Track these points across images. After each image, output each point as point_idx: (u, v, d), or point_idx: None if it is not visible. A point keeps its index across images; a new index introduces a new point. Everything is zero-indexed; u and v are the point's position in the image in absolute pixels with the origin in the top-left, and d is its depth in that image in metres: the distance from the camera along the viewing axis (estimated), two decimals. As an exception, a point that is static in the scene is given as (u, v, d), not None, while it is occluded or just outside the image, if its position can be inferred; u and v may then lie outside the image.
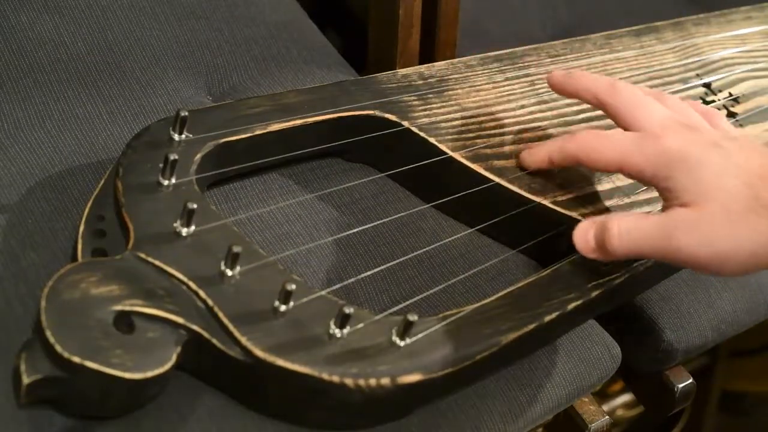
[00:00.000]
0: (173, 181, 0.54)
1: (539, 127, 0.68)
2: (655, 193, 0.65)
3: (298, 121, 0.61)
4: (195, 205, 0.51)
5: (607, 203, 0.63)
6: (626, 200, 0.64)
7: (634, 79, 0.76)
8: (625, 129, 0.59)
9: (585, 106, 0.70)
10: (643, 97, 0.60)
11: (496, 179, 0.62)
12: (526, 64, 0.73)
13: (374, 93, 0.65)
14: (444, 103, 0.66)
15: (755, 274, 0.75)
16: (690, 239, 0.53)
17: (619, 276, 0.59)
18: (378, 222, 0.63)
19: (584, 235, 0.57)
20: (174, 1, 0.74)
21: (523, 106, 0.69)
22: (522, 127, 0.67)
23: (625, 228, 0.55)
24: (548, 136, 0.67)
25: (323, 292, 0.51)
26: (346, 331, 0.49)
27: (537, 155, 0.63)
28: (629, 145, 0.57)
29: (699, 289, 0.72)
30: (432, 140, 0.63)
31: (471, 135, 0.65)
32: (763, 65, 0.84)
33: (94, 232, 0.52)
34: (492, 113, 0.67)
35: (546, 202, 0.62)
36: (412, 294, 0.58)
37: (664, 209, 0.56)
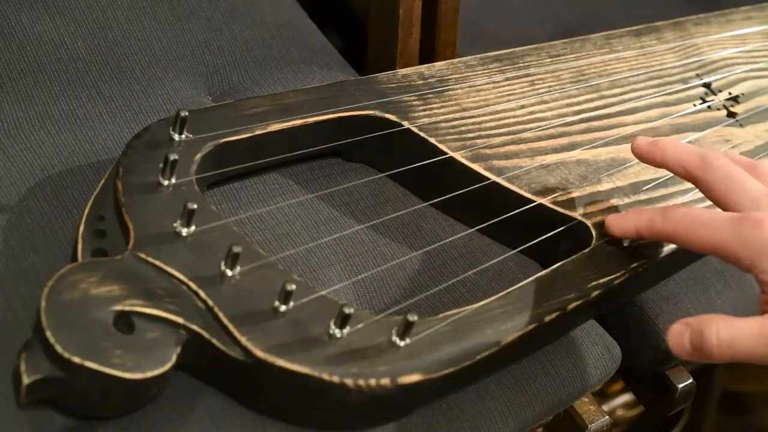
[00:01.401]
0: (173, 181, 0.54)
1: (539, 127, 0.68)
2: (657, 193, 0.65)
3: (298, 121, 0.61)
4: (195, 205, 0.51)
5: (607, 203, 0.63)
6: (626, 200, 0.64)
7: (634, 79, 0.76)
8: (720, 207, 0.56)
9: (584, 106, 0.71)
10: (737, 173, 0.56)
11: (496, 179, 0.62)
12: (526, 64, 0.73)
13: (374, 93, 0.65)
14: (444, 103, 0.66)
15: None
16: None
17: (619, 276, 0.59)
18: (378, 222, 0.63)
19: (679, 338, 0.53)
20: (174, 1, 0.74)
21: (523, 106, 0.69)
22: (522, 127, 0.67)
23: (725, 336, 0.51)
24: (548, 136, 0.67)
25: (323, 292, 0.51)
26: (346, 331, 0.49)
27: (624, 226, 0.60)
28: (725, 231, 0.53)
29: (699, 289, 0.72)
30: (432, 140, 0.63)
31: (471, 135, 0.65)
32: (763, 65, 0.84)
33: (94, 232, 0.52)
34: (492, 113, 0.67)
35: (546, 202, 0.62)
36: (412, 294, 0.58)
37: (764, 305, 0.53)
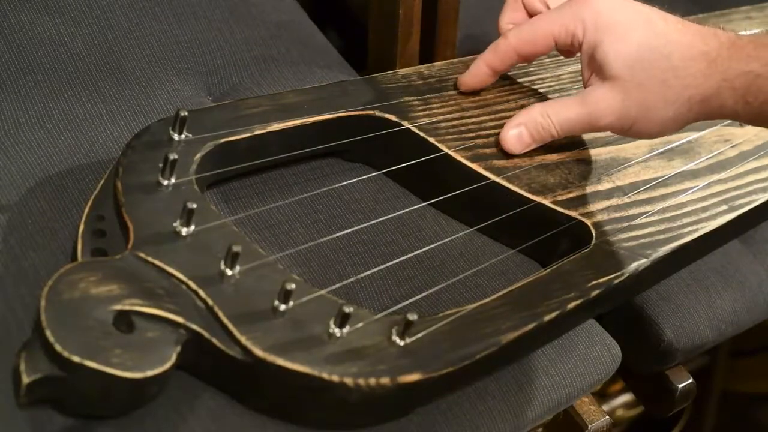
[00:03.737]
0: (173, 180, 0.54)
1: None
2: (656, 192, 0.65)
3: (298, 121, 0.61)
4: (195, 205, 0.51)
5: (607, 202, 0.63)
6: (626, 200, 0.64)
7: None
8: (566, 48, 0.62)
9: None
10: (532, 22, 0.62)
11: (496, 179, 0.63)
12: (526, 63, 0.73)
13: (374, 93, 0.65)
14: (444, 103, 0.67)
15: (755, 275, 0.75)
16: (612, 122, 0.60)
17: (619, 276, 0.59)
18: (378, 221, 0.63)
19: (518, 140, 0.62)
20: (174, 1, 0.74)
21: (522, 106, 0.69)
22: (522, 126, 0.67)
23: (555, 118, 0.61)
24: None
25: (323, 292, 0.51)
26: (345, 330, 0.49)
27: (474, 68, 0.65)
28: (557, 18, 0.60)
29: (699, 289, 0.72)
30: (432, 140, 0.63)
31: (470, 135, 0.65)
32: (763, 65, 0.83)
33: (94, 231, 0.52)
34: (492, 113, 0.67)
35: (546, 202, 0.62)
36: (412, 294, 0.58)
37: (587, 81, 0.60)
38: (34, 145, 0.61)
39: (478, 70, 0.65)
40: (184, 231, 0.51)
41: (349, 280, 0.58)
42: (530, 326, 0.54)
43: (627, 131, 0.60)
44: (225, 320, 0.48)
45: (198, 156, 0.56)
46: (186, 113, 0.56)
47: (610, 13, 0.59)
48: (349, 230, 0.61)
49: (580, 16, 0.59)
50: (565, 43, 0.61)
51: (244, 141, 0.59)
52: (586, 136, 0.68)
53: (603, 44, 0.58)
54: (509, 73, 0.71)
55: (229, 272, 0.50)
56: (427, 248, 0.62)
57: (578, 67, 0.75)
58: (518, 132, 0.62)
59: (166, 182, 0.53)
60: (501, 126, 0.66)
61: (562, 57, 0.75)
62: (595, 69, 0.60)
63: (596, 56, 0.59)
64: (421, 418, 0.54)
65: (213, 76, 0.72)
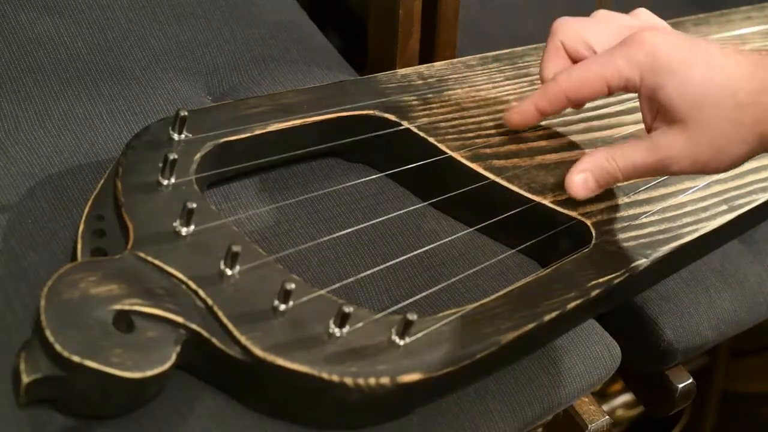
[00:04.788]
0: (173, 180, 0.54)
1: (539, 126, 0.68)
2: (656, 192, 0.65)
3: (298, 121, 0.61)
4: (194, 205, 0.51)
5: (607, 202, 0.63)
6: (626, 200, 0.64)
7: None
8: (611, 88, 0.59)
9: (584, 106, 0.71)
10: (586, 65, 0.59)
11: (496, 179, 0.63)
12: (526, 64, 0.73)
13: (374, 93, 0.65)
14: (443, 103, 0.67)
15: (755, 275, 0.75)
16: (684, 168, 0.56)
17: (619, 275, 0.59)
18: (378, 221, 0.63)
19: (584, 186, 0.59)
20: (174, 1, 0.74)
21: (522, 106, 0.69)
22: (522, 126, 0.67)
23: (622, 163, 0.58)
24: (548, 136, 0.67)
25: (323, 292, 0.51)
26: (345, 330, 0.49)
27: (522, 108, 0.62)
28: (610, 61, 0.57)
29: (699, 289, 0.72)
30: (431, 140, 0.63)
31: (470, 135, 0.65)
32: (763, 65, 0.83)
33: (93, 231, 0.52)
34: (492, 113, 0.67)
35: (546, 202, 0.62)
36: (412, 293, 0.58)
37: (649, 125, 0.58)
38: (34, 145, 0.61)
39: (526, 110, 0.62)
40: (184, 231, 0.51)
41: (349, 280, 0.58)
42: (530, 326, 0.54)
43: (697, 172, 0.58)
44: (225, 320, 0.48)
45: (198, 156, 0.56)
46: (186, 113, 0.56)
47: (666, 53, 0.56)
48: (349, 230, 0.61)
49: (634, 59, 0.56)
50: (619, 87, 0.58)
51: (244, 141, 0.59)
52: (586, 137, 0.68)
53: (665, 87, 0.55)
54: (509, 73, 0.71)
55: (228, 272, 0.50)
56: (427, 248, 0.62)
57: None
58: (584, 177, 0.59)
59: (166, 182, 0.53)
60: (501, 126, 0.66)
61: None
62: (659, 113, 0.57)
63: (659, 100, 0.56)
64: (421, 418, 0.54)
65: (213, 76, 0.72)
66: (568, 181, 0.59)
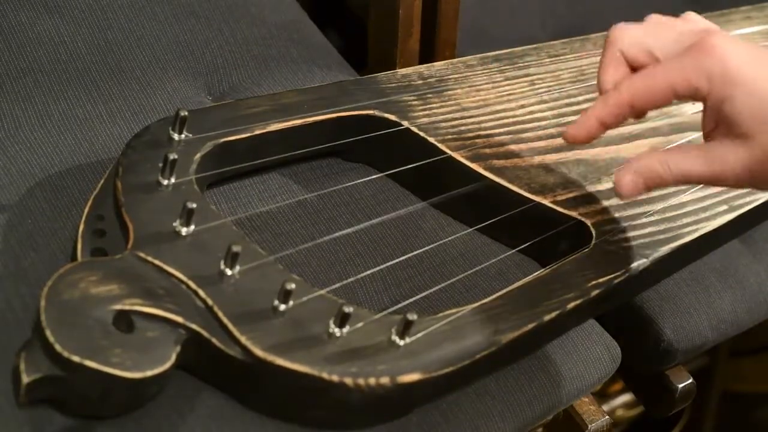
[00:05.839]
0: (173, 180, 0.54)
1: (539, 126, 0.68)
2: (656, 192, 0.65)
3: (298, 121, 0.61)
4: (194, 205, 0.51)
5: (607, 203, 0.63)
6: (626, 200, 0.64)
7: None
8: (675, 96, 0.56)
9: (584, 106, 0.71)
10: (650, 72, 0.57)
11: (496, 179, 0.63)
12: (526, 64, 0.73)
13: (374, 93, 0.65)
14: (443, 103, 0.67)
15: (755, 275, 0.75)
16: (742, 183, 0.54)
17: (619, 275, 0.59)
18: (378, 221, 0.63)
19: (634, 187, 0.57)
20: (174, 1, 0.74)
21: (522, 106, 0.69)
22: (521, 126, 0.67)
23: (675, 169, 0.55)
24: (548, 136, 0.67)
25: (323, 292, 0.51)
26: (345, 330, 0.49)
27: (583, 122, 0.59)
28: (678, 67, 0.54)
29: (699, 289, 0.72)
30: (431, 140, 0.63)
31: (470, 135, 0.65)
32: (763, 65, 0.83)
33: (93, 231, 0.52)
34: (491, 113, 0.67)
35: (546, 202, 0.62)
36: (412, 293, 0.58)
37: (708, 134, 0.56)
38: (34, 145, 0.61)
39: (587, 124, 0.59)
40: (184, 231, 0.51)
41: (349, 280, 0.58)
42: (530, 326, 0.54)
43: (752, 188, 0.56)
44: (225, 320, 0.48)
45: (198, 156, 0.56)
46: (186, 113, 0.56)
47: (737, 63, 0.54)
48: (349, 230, 0.61)
49: (704, 67, 0.54)
50: (686, 96, 0.56)
51: (243, 141, 0.59)
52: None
53: (734, 100, 0.53)
54: (509, 73, 0.71)
55: (228, 272, 0.50)
56: (427, 248, 0.62)
57: (578, 64, 0.75)
58: (634, 179, 0.57)
59: (166, 182, 0.53)
60: (501, 126, 0.66)
61: (560, 55, 0.75)
62: (723, 123, 0.55)
63: (725, 111, 0.54)
64: (421, 418, 0.54)
65: (213, 76, 0.72)
66: (617, 177, 0.57)
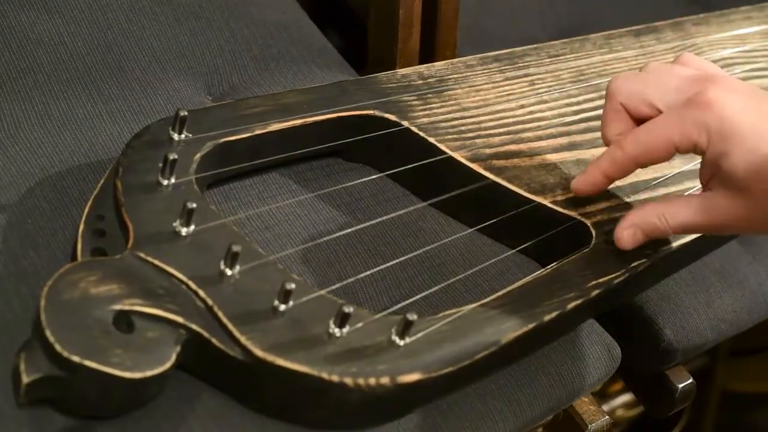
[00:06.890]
0: (173, 180, 0.54)
1: (539, 126, 0.68)
2: (656, 192, 0.65)
3: (298, 121, 0.61)
4: (194, 205, 0.51)
5: (607, 203, 0.63)
6: (626, 199, 0.64)
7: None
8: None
9: (584, 106, 0.71)
10: (654, 124, 0.57)
11: (496, 179, 0.63)
12: (526, 64, 0.73)
13: (374, 93, 0.65)
14: (443, 103, 0.67)
15: (755, 275, 0.75)
16: (737, 232, 0.56)
17: (619, 275, 0.59)
18: (378, 221, 0.63)
19: (633, 239, 0.58)
20: (174, 1, 0.74)
21: (522, 106, 0.69)
22: (522, 126, 0.67)
23: (672, 222, 0.57)
24: (548, 136, 0.67)
25: (323, 292, 0.51)
26: (345, 330, 0.49)
27: (590, 176, 0.60)
28: (677, 123, 0.55)
29: (699, 288, 0.72)
30: (431, 140, 0.63)
31: (470, 135, 0.65)
32: (763, 65, 0.83)
33: (93, 231, 0.52)
34: (491, 113, 0.67)
35: (546, 202, 0.62)
36: (412, 294, 0.58)
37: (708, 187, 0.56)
38: (34, 145, 0.61)
39: (594, 179, 0.60)
40: (184, 231, 0.51)
41: (349, 280, 0.58)
42: (530, 326, 0.54)
43: (750, 234, 0.58)
44: (225, 320, 0.48)
45: (198, 156, 0.56)
46: (186, 113, 0.56)
47: (735, 119, 0.54)
48: (349, 230, 0.61)
49: (702, 123, 0.55)
50: (687, 150, 0.56)
51: (244, 141, 0.59)
52: (586, 137, 0.68)
53: (731, 155, 0.54)
54: (509, 73, 0.71)
55: (228, 272, 0.50)
56: (427, 248, 0.62)
57: (578, 64, 0.75)
58: (633, 233, 0.58)
59: (166, 182, 0.54)
60: (501, 126, 0.66)
61: (560, 55, 0.75)
62: (719, 176, 0.55)
63: (722, 165, 0.54)
64: (421, 418, 0.54)
65: (213, 76, 0.72)
66: (617, 232, 0.59)
